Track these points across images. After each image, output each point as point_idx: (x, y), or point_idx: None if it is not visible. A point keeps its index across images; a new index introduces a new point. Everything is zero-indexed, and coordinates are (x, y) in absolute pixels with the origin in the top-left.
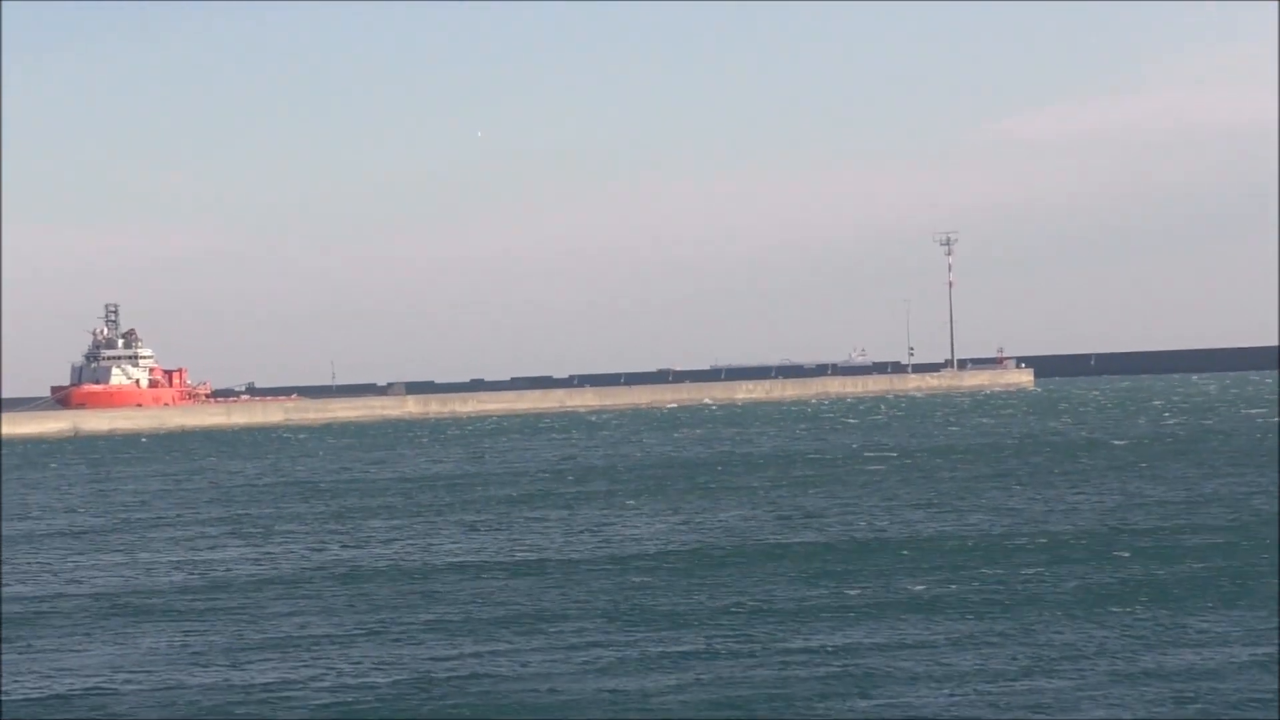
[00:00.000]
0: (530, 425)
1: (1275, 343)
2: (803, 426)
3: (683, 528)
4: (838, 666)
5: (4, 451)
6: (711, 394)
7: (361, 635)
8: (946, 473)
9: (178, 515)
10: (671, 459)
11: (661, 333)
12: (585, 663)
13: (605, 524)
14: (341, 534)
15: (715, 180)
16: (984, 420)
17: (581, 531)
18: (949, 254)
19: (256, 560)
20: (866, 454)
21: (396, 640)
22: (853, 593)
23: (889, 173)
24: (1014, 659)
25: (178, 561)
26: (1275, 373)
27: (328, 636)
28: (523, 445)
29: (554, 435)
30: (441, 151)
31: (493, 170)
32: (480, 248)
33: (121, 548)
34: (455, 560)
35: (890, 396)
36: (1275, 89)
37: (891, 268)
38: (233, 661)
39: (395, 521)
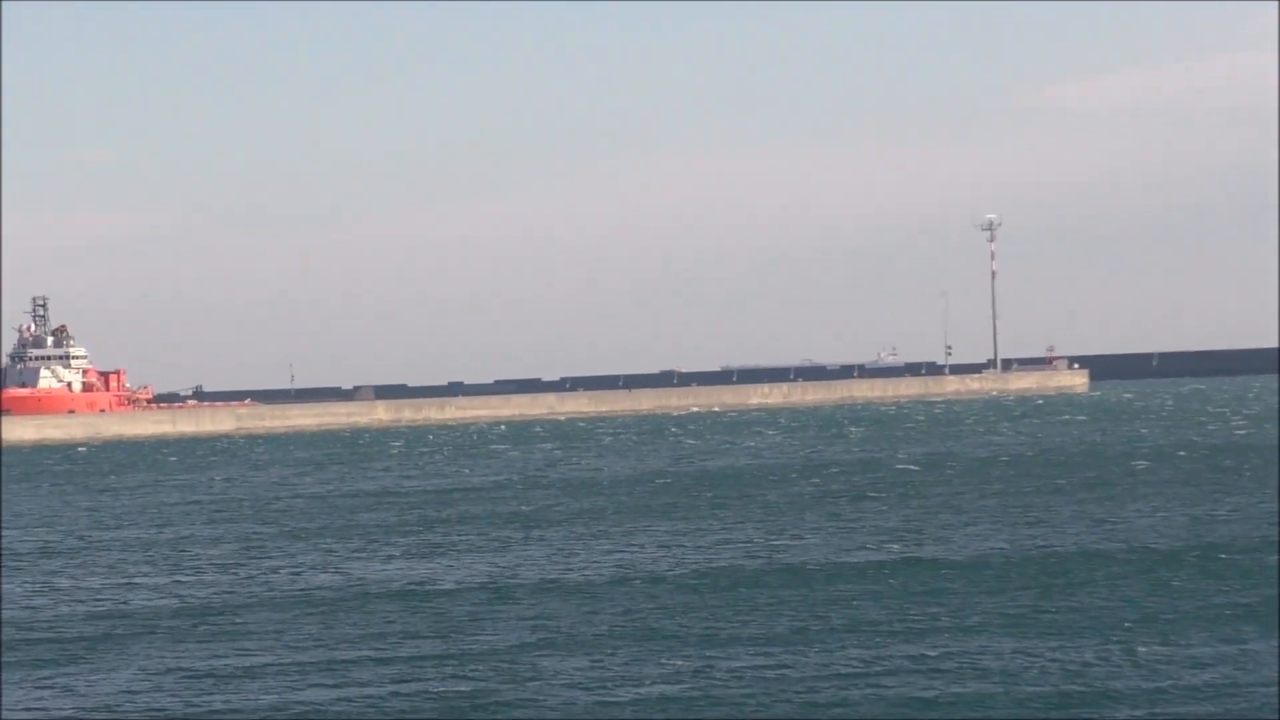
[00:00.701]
0: (522, 433)
1: None
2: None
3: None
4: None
5: None
6: (722, 399)
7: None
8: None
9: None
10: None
11: (665, 330)
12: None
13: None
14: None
15: (727, 158)
16: (1033, 422)
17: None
18: (991, 240)
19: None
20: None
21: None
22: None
23: (923, 149)
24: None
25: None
26: None
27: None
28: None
29: (546, 444)
30: (414, 128)
31: (473, 148)
32: (458, 234)
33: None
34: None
35: (925, 401)
36: None
37: (926, 256)
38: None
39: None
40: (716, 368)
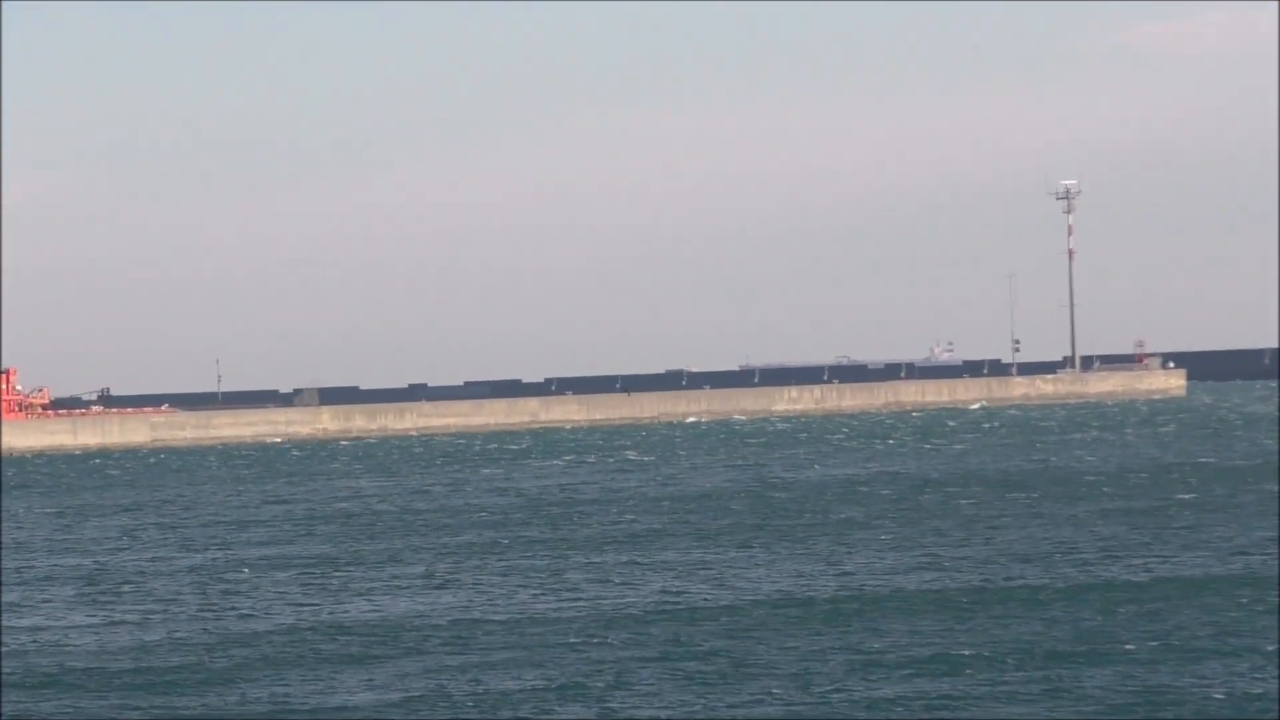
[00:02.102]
0: (506, 445)
1: None
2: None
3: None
4: None
5: None
6: (740, 404)
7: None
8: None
9: None
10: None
11: (672, 320)
12: None
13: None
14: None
15: (744, 114)
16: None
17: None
18: (1069, 212)
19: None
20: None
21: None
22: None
23: (984, 101)
24: None
25: None
26: None
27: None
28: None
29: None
30: (360, 74)
31: (432, 99)
32: (420, 202)
33: None
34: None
35: (989, 407)
36: None
37: (988, 231)
38: None
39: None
40: (734, 366)
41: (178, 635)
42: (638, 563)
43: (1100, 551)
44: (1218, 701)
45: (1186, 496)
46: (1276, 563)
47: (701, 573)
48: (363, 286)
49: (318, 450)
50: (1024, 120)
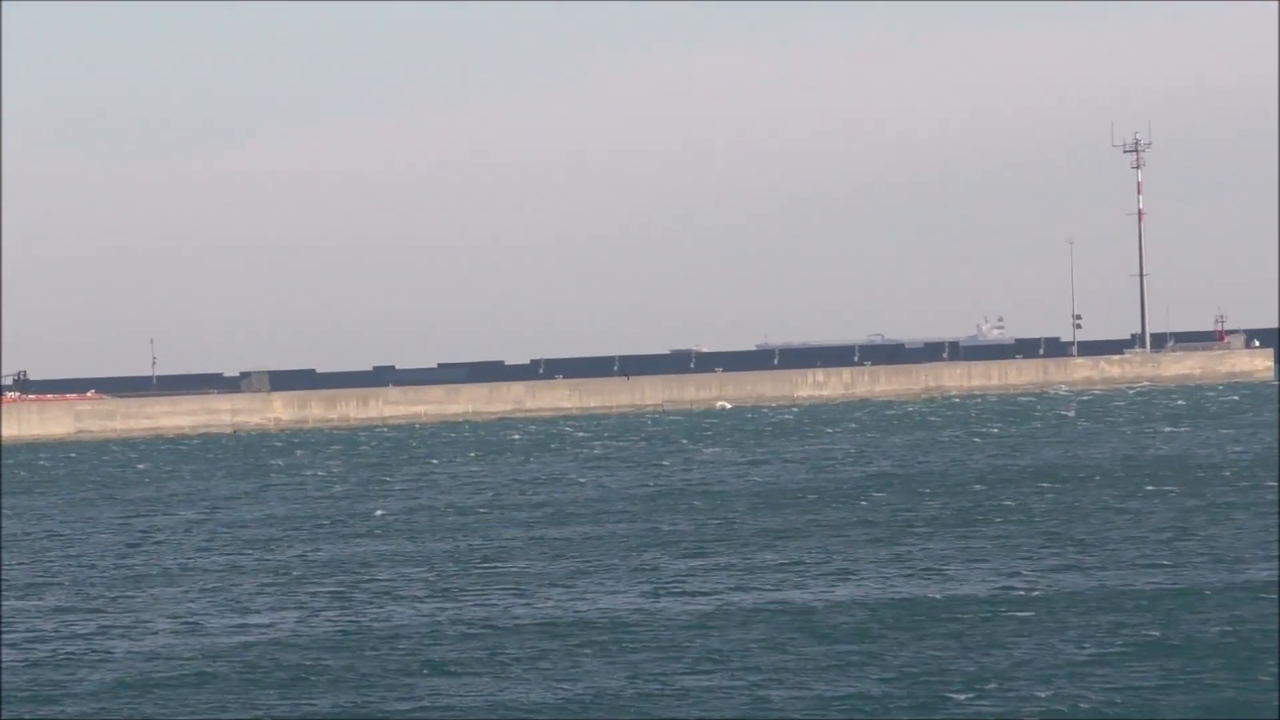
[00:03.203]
0: (491, 438)
1: None
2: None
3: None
4: None
5: None
6: (757, 390)
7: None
8: None
9: None
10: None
11: (679, 294)
12: None
13: None
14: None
15: (761, 57)
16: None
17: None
18: (1138, 167)
19: None
20: None
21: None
22: None
23: (1038, 38)
24: None
25: None
26: None
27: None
28: None
29: None
30: (328, 18)
31: (411, 40)
32: (386, 160)
33: None
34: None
35: (1045, 394)
36: None
37: (1044, 190)
38: None
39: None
40: (750, 346)
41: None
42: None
43: None
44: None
45: None
46: None
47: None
48: (320, 255)
49: (280, 437)
50: (1084, 62)
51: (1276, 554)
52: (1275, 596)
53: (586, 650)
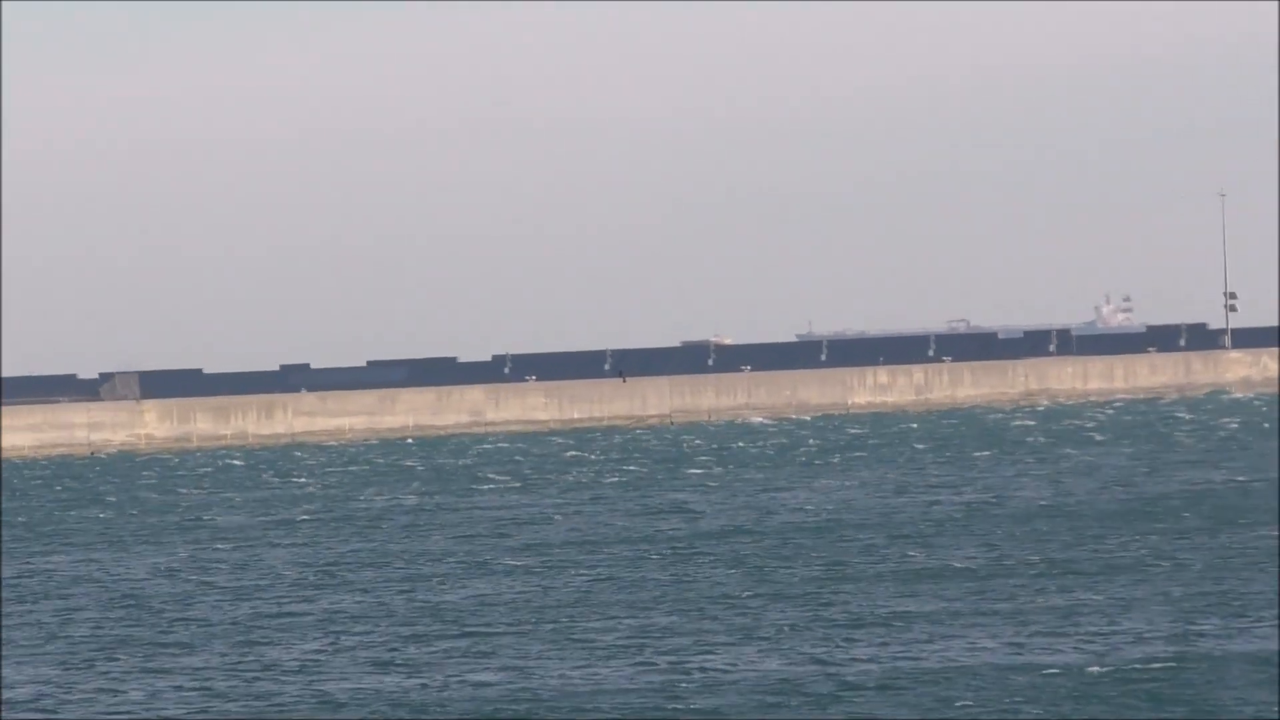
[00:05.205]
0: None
1: None
2: None
3: None
4: None
5: None
6: (798, 394)
7: None
8: None
9: None
10: None
11: (691, 270)
12: None
13: None
14: None
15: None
16: None
17: None
18: None
19: None
20: None
21: None
22: None
23: None
24: None
25: None
26: None
27: None
28: None
29: None
30: None
31: None
32: (292, 83)
33: None
34: None
35: (1186, 398)
36: None
37: (1181, 126)
38: None
39: None
40: (790, 336)
41: None
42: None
43: None
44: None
45: None
46: None
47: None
48: (205, 217)
49: (152, 462)
50: None
51: None
52: None
53: None
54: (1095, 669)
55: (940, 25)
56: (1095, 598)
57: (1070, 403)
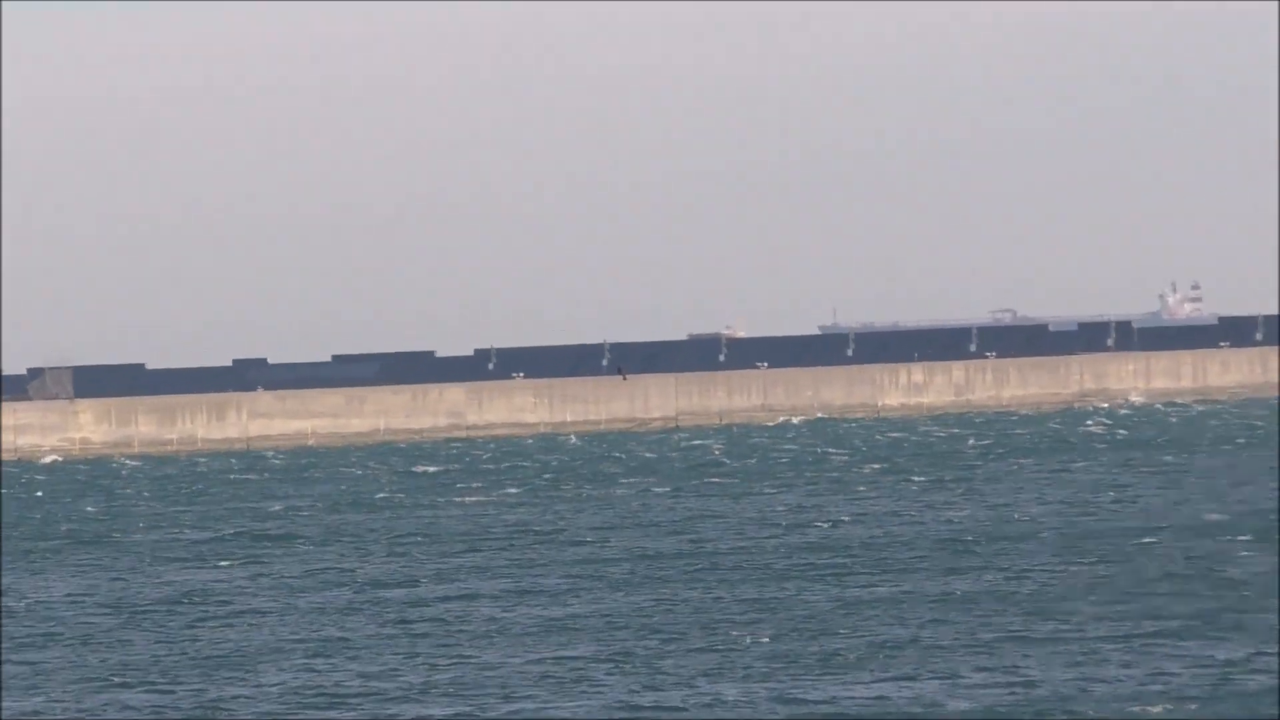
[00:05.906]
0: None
1: None
2: None
3: None
4: None
5: None
6: (820, 394)
7: None
8: None
9: None
10: None
11: (700, 253)
12: None
13: None
14: None
15: None
16: None
17: None
18: None
19: None
20: None
21: None
22: None
23: None
24: None
25: None
26: None
27: None
28: None
29: None
30: None
31: None
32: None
33: None
34: None
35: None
36: None
37: (1253, 86)
38: None
39: None
40: (811, 329)
41: None
42: None
43: None
44: None
45: None
46: None
47: None
48: (144, 189)
49: (95, 468)
50: None
51: None
52: None
53: None
54: None
55: None
56: None
57: (1134, 403)
